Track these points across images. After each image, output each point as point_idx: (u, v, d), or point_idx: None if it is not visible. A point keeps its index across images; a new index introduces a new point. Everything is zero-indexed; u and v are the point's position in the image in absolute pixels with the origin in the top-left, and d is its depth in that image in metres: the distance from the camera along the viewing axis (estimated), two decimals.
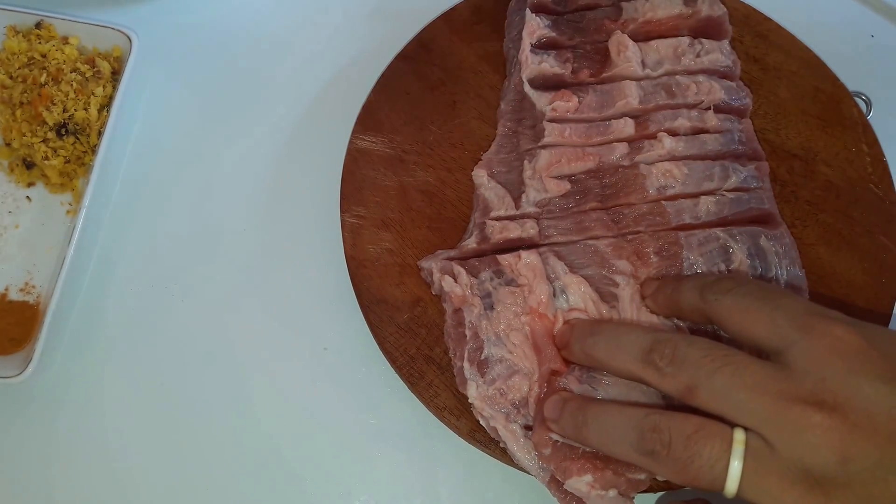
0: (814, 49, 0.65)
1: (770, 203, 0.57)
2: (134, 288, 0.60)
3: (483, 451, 0.52)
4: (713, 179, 0.56)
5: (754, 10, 0.66)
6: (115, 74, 0.62)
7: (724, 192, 0.56)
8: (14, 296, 0.59)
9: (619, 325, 0.49)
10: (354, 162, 0.59)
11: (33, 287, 0.59)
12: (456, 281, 0.53)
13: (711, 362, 0.41)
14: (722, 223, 0.55)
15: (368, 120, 0.60)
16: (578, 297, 0.52)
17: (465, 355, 0.51)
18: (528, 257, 0.52)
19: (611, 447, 0.44)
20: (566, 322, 0.50)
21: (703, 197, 0.55)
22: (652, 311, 0.51)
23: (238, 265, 0.60)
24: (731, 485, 0.39)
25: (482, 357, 0.50)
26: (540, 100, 0.57)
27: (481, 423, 0.51)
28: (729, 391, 0.40)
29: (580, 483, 0.45)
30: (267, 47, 0.68)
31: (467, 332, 0.51)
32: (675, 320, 0.51)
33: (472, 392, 0.50)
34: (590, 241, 0.54)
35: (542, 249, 0.53)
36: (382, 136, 0.60)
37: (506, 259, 0.53)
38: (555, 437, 0.47)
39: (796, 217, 0.59)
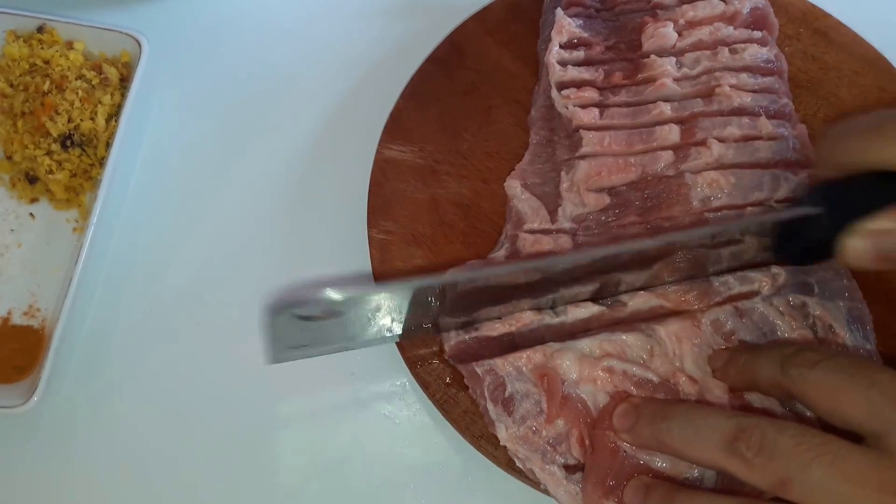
0: (877, 47, 0.62)
1: None
2: (146, 310, 0.57)
3: (524, 482, 0.49)
4: (762, 189, 0.53)
5: (812, 5, 0.63)
6: (124, 81, 0.60)
7: (773, 203, 0.53)
8: (17, 320, 0.56)
9: (693, 408, 0.45)
10: (382, 173, 0.56)
11: (38, 310, 0.56)
12: None
13: (805, 451, 0.38)
14: None
15: (397, 128, 0.58)
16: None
17: (486, 394, 0.47)
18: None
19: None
20: (627, 402, 0.46)
21: (749, 209, 0.53)
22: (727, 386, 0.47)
23: (257, 285, 0.57)
24: None
25: (506, 395, 0.47)
26: (559, 100, 0.56)
27: (517, 464, 0.47)
28: (827, 484, 0.37)
29: None
30: (286, 50, 0.66)
31: (479, 370, 0.48)
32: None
33: (502, 434, 0.47)
34: None
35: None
36: (412, 146, 0.58)
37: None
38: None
39: None
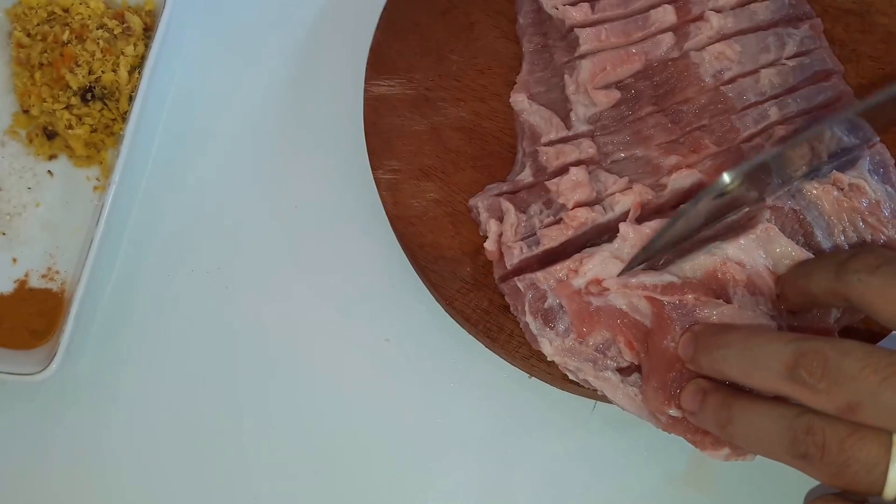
0: None
1: (832, 61, 0.54)
2: (170, 274, 0.56)
3: (582, 395, 0.49)
4: (769, 50, 0.53)
5: None
6: (148, 31, 0.58)
7: (785, 62, 0.53)
8: (35, 283, 0.55)
9: (750, 334, 0.42)
10: (375, 111, 0.55)
11: (57, 273, 0.55)
12: (501, 221, 0.49)
13: (874, 374, 0.35)
14: (791, 92, 0.52)
15: (380, 61, 0.56)
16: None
17: (527, 308, 0.47)
18: (577, 174, 0.49)
19: (758, 447, 0.40)
20: (688, 329, 0.45)
21: (762, 71, 0.53)
22: (787, 309, 0.46)
23: (288, 246, 0.56)
24: (891, 490, 0.36)
25: (545, 307, 0.47)
26: (547, 1, 0.54)
27: (570, 377, 0.47)
28: None
29: (719, 455, 0.43)
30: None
31: (520, 285, 0.47)
32: None
33: (548, 349, 0.46)
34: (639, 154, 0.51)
35: (591, 168, 0.50)
36: (399, 77, 0.56)
37: (554, 183, 0.49)
38: (673, 412, 0.44)
39: (862, 76, 0.56)
